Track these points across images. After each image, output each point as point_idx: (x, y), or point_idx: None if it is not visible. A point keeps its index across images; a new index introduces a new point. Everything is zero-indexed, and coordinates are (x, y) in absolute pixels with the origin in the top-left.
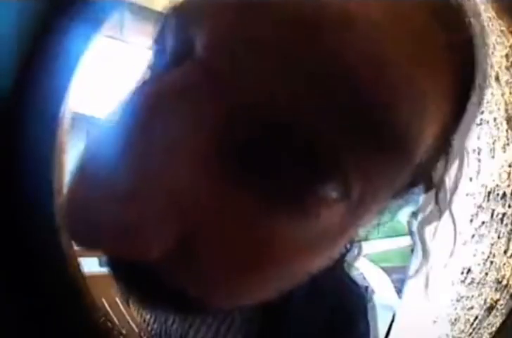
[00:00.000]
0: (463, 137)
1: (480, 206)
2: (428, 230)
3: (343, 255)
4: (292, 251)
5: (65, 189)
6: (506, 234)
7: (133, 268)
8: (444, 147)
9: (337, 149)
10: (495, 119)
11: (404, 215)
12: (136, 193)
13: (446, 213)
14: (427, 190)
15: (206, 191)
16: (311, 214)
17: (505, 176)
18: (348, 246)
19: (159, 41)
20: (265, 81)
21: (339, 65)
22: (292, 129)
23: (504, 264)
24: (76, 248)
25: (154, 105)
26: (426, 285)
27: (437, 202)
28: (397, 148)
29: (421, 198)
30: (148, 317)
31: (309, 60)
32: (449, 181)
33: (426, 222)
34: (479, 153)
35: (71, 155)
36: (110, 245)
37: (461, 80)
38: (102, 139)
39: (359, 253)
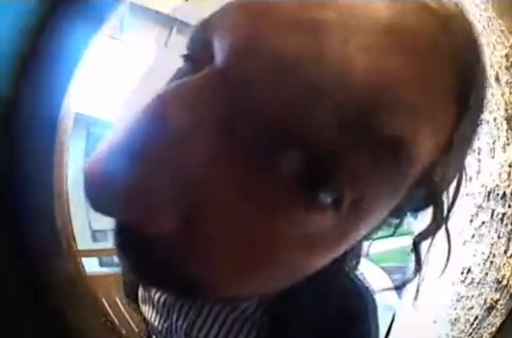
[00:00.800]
0: (461, 156)
1: (480, 206)
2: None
3: (346, 257)
4: (288, 245)
5: (65, 189)
6: (506, 234)
7: (138, 242)
8: (447, 149)
9: (338, 159)
10: (495, 119)
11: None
12: (150, 167)
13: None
14: (427, 203)
15: (210, 172)
16: (308, 214)
17: (505, 176)
18: (355, 252)
19: (188, 48)
20: (276, 93)
21: (347, 86)
22: (298, 138)
23: (504, 264)
24: (77, 248)
25: (173, 98)
26: (416, 297)
27: (434, 219)
28: (396, 160)
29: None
30: (151, 314)
31: (320, 78)
32: (447, 198)
33: (422, 236)
34: (479, 153)
35: (71, 155)
36: (123, 212)
37: (462, 83)
38: (126, 125)
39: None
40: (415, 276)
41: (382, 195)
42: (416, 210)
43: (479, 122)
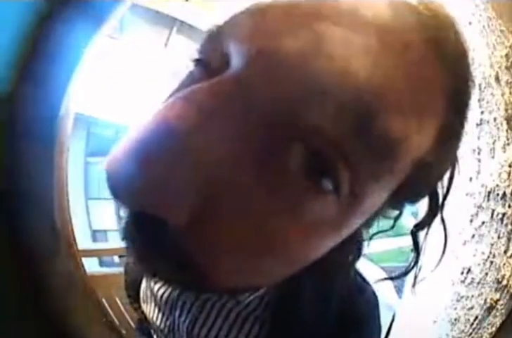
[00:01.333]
0: (453, 148)
1: (480, 206)
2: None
3: (347, 250)
4: (293, 231)
5: (65, 189)
6: (506, 234)
7: (150, 234)
8: (437, 142)
9: (336, 152)
10: (495, 119)
11: (404, 214)
12: (167, 158)
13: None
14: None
15: (229, 167)
16: (313, 199)
17: (505, 176)
18: (356, 246)
19: (201, 53)
20: (289, 98)
21: (351, 90)
22: (301, 132)
23: (504, 264)
24: (77, 248)
25: (189, 104)
26: (414, 284)
27: (430, 209)
28: (388, 153)
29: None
30: (153, 313)
31: (323, 79)
32: (441, 188)
33: (420, 226)
34: (479, 153)
35: (71, 156)
36: (140, 199)
37: (453, 82)
38: (146, 122)
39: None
40: (415, 263)
41: (377, 183)
42: (413, 201)
43: (480, 122)
